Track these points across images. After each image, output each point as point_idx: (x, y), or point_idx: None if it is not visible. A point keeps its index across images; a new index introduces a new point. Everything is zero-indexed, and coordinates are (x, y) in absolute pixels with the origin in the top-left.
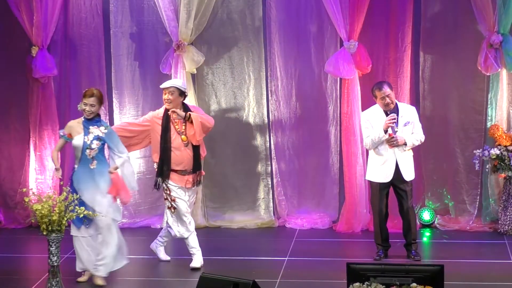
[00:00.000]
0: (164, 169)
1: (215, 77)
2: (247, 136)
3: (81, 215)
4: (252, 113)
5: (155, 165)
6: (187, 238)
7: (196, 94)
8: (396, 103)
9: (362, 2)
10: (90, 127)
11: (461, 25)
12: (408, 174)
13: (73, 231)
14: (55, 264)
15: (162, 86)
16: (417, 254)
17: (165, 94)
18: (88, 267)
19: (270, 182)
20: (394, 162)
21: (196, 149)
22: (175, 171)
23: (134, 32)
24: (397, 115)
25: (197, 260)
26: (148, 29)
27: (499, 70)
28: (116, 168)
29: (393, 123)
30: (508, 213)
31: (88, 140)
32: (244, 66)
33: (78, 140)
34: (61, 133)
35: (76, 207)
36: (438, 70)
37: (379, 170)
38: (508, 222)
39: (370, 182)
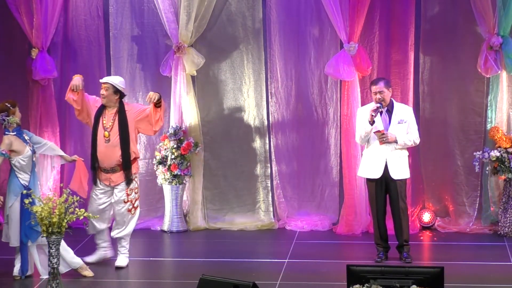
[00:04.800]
0: (95, 164)
1: (215, 78)
2: (247, 138)
3: (81, 217)
4: (252, 114)
5: None
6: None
7: (197, 96)
8: (392, 102)
9: (362, 4)
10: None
11: (461, 27)
12: (397, 173)
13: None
14: (55, 266)
15: (100, 80)
16: (408, 257)
17: (101, 89)
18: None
19: (270, 184)
20: (384, 159)
21: (125, 147)
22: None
23: (134, 34)
24: (391, 113)
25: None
26: (148, 31)
27: (499, 72)
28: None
29: (375, 112)
30: (508, 215)
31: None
32: (244, 67)
33: (28, 151)
34: (4, 154)
35: (76, 209)
36: (438, 72)
37: (368, 166)
38: (508, 224)
39: (366, 181)
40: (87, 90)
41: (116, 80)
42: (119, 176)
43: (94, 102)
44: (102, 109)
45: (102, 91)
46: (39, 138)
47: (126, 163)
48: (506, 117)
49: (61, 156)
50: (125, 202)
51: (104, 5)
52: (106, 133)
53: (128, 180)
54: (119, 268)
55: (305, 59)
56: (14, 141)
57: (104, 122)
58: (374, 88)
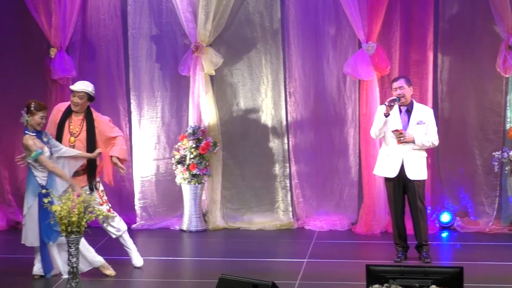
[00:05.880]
0: None
1: (233, 78)
2: (265, 138)
3: (100, 216)
4: (270, 114)
5: None
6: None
7: (215, 96)
8: (412, 102)
9: (380, 3)
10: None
11: (479, 27)
12: (413, 173)
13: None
14: (75, 265)
15: (72, 88)
16: (427, 256)
17: (74, 97)
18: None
19: (288, 184)
20: (400, 158)
21: (91, 152)
22: None
23: (152, 33)
24: (410, 113)
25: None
26: (166, 30)
27: None
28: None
29: (390, 102)
30: None
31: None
32: (262, 67)
33: (47, 152)
34: (39, 150)
35: (95, 207)
36: (456, 72)
37: (384, 165)
38: None
39: (384, 181)
40: (106, 91)
41: (89, 88)
42: (80, 180)
43: (56, 114)
44: (68, 113)
45: (76, 99)
46: (56, 142)
47: (91, 170)
48: None
49: (81, 156)
50: (101, 204)
51: (122, 4)
52: (72, 138)
53: (91, 186)
54: (137, 268)
55: (323, 58)
56: (36, 141)
57: (71, 127)
58: (395, 84)
